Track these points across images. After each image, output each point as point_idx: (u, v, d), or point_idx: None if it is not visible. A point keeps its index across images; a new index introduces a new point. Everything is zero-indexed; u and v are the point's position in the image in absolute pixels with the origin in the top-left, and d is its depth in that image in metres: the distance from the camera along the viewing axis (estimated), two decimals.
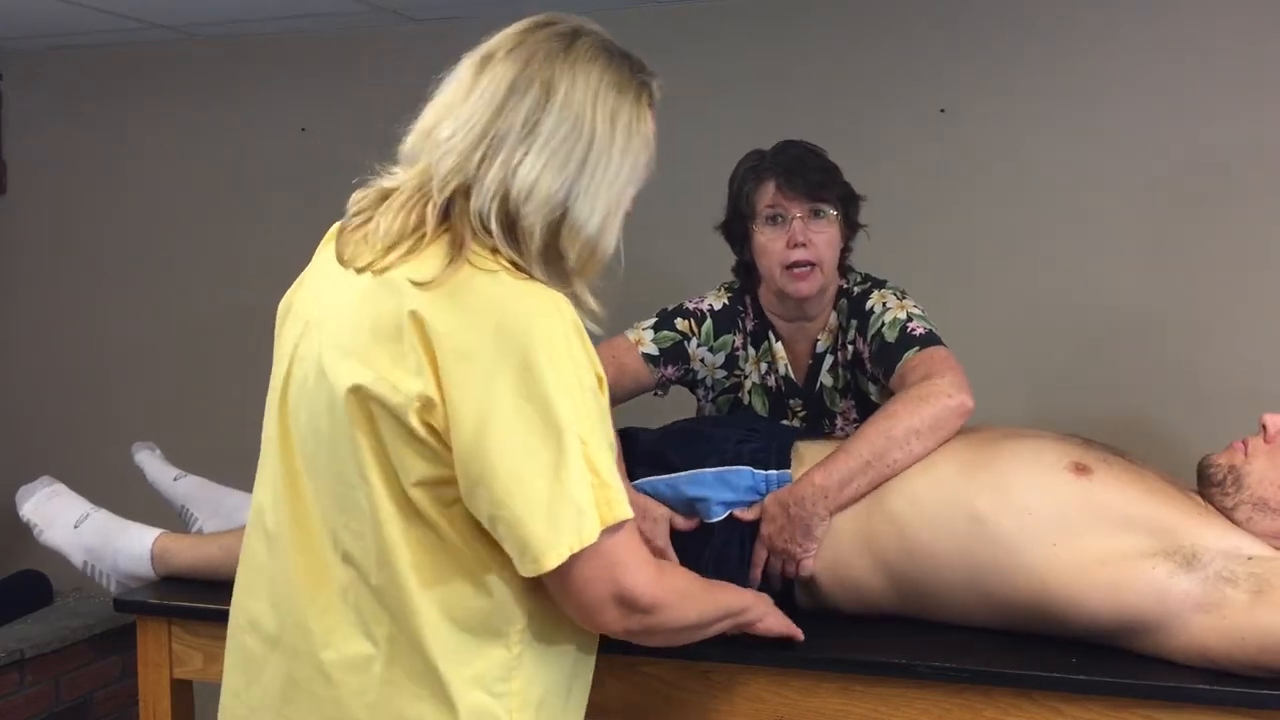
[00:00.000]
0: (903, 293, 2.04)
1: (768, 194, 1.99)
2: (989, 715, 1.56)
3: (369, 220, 1.31)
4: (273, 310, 1.44)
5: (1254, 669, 1.49)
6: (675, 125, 3.00)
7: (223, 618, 1.81)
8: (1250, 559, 1.54)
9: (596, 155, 1.25)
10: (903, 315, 1.96)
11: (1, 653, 2.94)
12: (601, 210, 1.26)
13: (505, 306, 1.20)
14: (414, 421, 1.20)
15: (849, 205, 2.04)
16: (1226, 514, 1.64)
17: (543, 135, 1.23)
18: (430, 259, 1.23)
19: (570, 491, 1.19)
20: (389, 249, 1.26)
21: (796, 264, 1.98)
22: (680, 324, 2.08)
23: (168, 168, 3.43)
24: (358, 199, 1.35)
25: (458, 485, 1.22)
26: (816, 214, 1.99)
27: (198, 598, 1.87)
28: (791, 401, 2.12)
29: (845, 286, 2.11)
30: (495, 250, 1.24)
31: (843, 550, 1.70)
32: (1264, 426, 1.67)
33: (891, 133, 2.79)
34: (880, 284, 2.08)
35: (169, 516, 2.13)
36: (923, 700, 1.58)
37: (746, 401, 2.13)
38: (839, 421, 2.11)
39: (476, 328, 1.19)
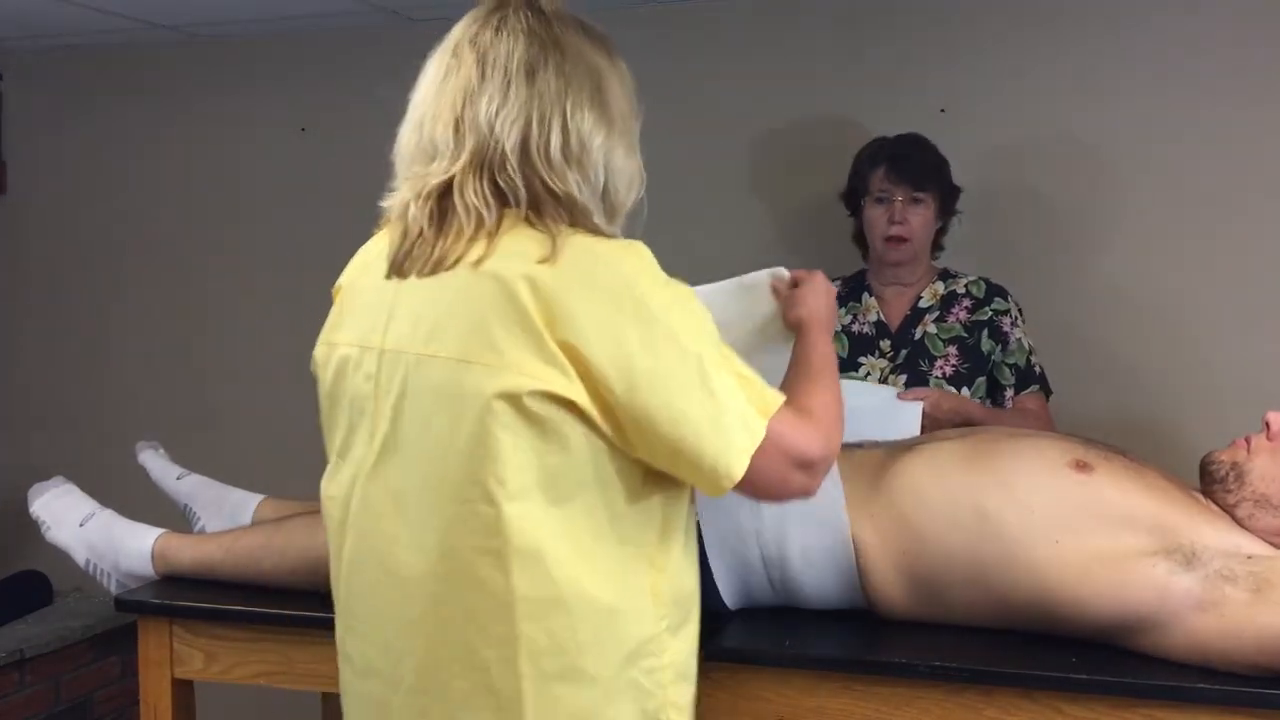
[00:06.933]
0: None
1: (878, 178, 2.43)
2: (989, 715, 1.56)
3: (438, 221, 1.32)
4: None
5: (1251, 668, 1.49)
6: (675, 124, 3.03)
7: (223, 617, 1.82)
8: (1250, 558, 1.54)
9: (613, 100, 1.36)
10: (1026, 344, 2.44)
11: (1, 653, 2.94)
12: (630, 148, 1.38)
13: (599, 264, 1.27)
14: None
15: (946, 196, 2.47)
16: (1228, 511, 1.65)
17: (572, 93, 1.32)
18: (523, 239, 1.29)
19: (726, 403, 1.28)
20: (473, 238, 1.30)
21: (892, 237, 2.42)
22: None
23: (167, 168, 3.43)
24: (412, 214, 1.34)
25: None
26: (915, 200, 2.41)
27: (199, 598, 1.87)
28: (882, 342, 2.46)
29: (947, 269, 2.51)
30: (558, 215, 1.31)
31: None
32: (1267, 424, 1.68)
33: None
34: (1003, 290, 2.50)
35: (173, 516, 2.12)
36: (923, 700, 1.58)
37: None
38: (938, 363, 2.41)
39: (588, 294, 1.25)
